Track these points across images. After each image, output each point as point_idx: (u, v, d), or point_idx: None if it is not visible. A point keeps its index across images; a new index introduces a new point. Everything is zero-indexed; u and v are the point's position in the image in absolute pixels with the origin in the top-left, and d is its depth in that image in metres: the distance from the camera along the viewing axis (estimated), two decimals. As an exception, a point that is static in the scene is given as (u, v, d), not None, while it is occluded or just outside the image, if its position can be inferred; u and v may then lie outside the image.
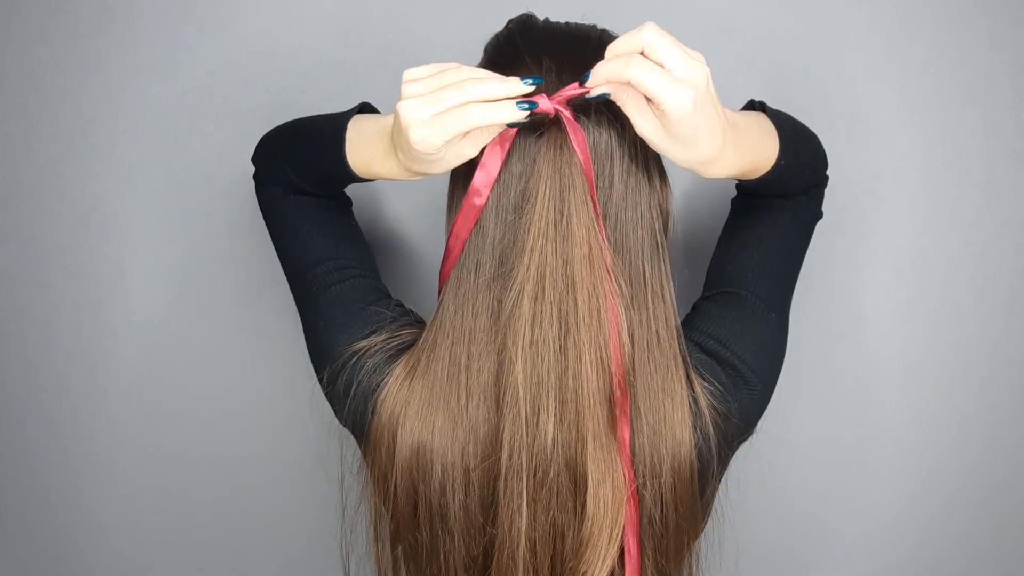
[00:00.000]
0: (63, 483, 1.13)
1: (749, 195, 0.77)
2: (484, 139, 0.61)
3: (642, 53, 0.55)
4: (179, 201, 1.05)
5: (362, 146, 0.68)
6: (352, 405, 0.71)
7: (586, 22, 0.68)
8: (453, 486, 0.67)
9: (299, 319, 0.77)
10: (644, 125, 0.58)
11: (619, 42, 0.57)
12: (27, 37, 1.02)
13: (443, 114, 0.57)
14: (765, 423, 0.73)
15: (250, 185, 0.81)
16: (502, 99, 0.58)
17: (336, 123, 0.70)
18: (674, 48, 0.55)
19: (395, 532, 0.71)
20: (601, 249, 0.62)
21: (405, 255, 1.05)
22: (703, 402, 0.67)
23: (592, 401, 0.63)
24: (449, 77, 0.58)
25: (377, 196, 1.03)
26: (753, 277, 0.73)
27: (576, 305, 0.62)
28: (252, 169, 0.80)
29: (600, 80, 0.57)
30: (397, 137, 0.61)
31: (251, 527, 1.13)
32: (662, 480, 0.66)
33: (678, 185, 0.71)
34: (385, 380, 0.69)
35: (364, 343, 0.70)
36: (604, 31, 0.68)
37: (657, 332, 0.66)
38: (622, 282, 0.64)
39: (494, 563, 0.66)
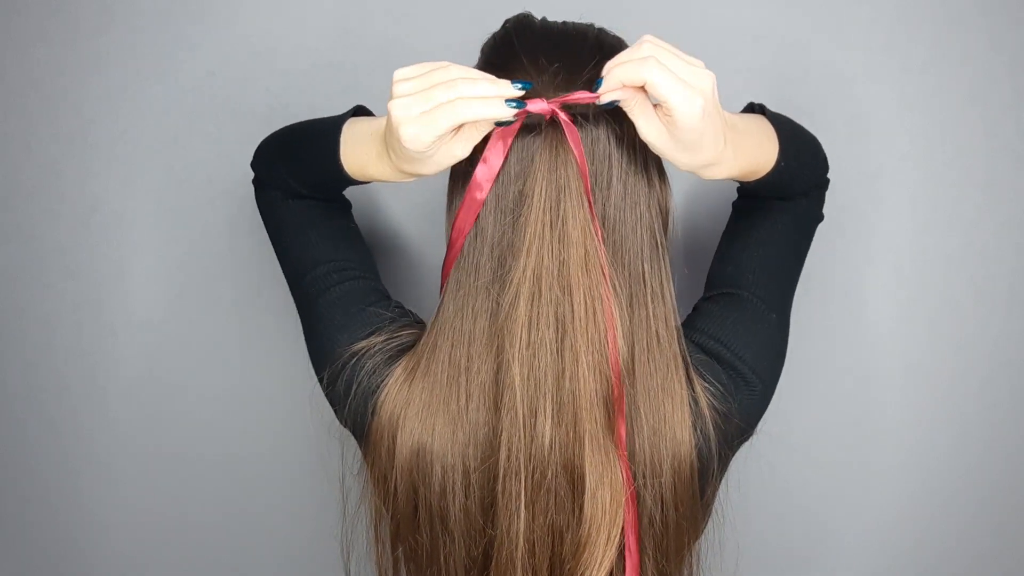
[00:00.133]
0: (63, 483, 1.13)
1: (750, 197, 0.77)
2: (475, 137, 0.61)
3: None
4: (179, 201, 1.05)
5: (356, 148, 0.68)
6: (352, 406, 0.71)
7: (583, 21, 0.68)
8: (453, 488, 0.67)
9: (299, 319, 0.77)
10: (650, 131, 0.58)
11: (620, 57, 0.57)
12: (27, 37, 1.02)
13: (432, 111, 0.57)
14: (765, 423, 0.73)
15: (250, 185, 0.81)
16: (492, 98, 0.58)
17: (330, 127, 0.70)
18: (675, 58, 0.56)
19: (395, 533, 0.71)
20: (597, 251, 0.62)
21: (405, 256, 1.05)
22: (703, 402, 0.67)
23: (589, 403, 0.63)
24: (439, 76, 0.58)
25: (376, 198, 1.03)
26: (754, 278, 0.73)
27: (572, 307, 0.62)
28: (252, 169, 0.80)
29: (615, 84, 0.57)
30: (389, 137, 0.61)
31: (251, 527, 1.12)
32: (662, 480, 0.66)
33: (678, 186, 0.71)
34: (385, 381, 0.69)
35: (364, 344, 0.70)
36: (601, 30, 0.68)
37: (657, 332, 0.66)
38: (619, 283, 0.64)
39: (493, 564, 0.66)
